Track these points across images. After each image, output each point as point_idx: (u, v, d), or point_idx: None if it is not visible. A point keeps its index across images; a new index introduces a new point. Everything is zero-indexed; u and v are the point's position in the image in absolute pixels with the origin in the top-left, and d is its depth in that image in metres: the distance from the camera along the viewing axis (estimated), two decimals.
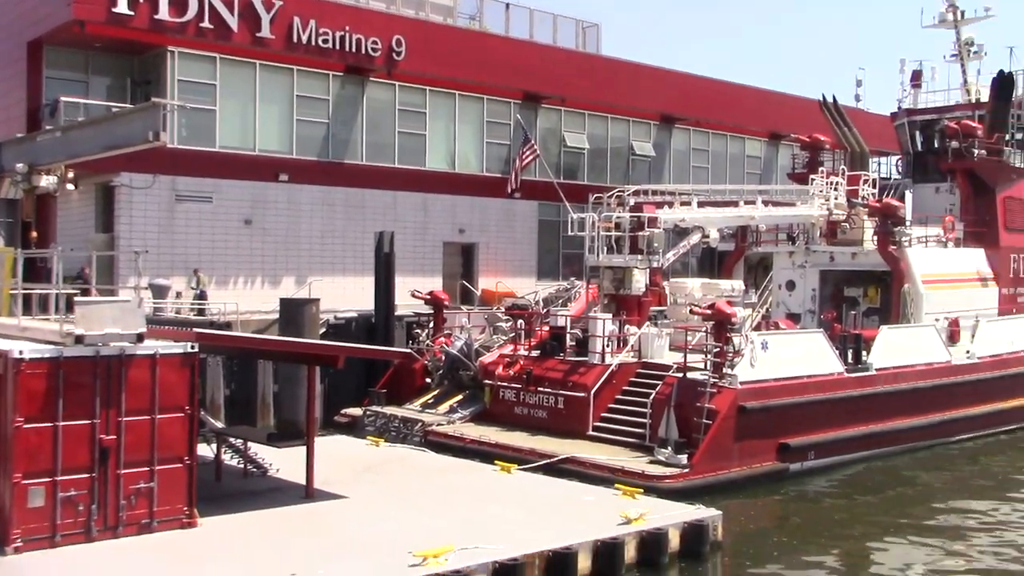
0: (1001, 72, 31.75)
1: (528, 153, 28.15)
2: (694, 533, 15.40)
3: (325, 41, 30.32)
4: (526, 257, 36.92)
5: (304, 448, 16.74)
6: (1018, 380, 27.98)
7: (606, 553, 14.20)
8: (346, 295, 31.17)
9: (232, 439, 18.64)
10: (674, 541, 15.21)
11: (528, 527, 14.77)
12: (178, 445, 14.29)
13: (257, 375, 26.21)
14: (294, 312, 25.66)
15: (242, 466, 18.21)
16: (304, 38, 29.83)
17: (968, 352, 27.06)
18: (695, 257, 38.73)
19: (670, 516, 15.56)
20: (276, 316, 26.71)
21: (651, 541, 14.80)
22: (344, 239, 31.97)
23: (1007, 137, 32.25)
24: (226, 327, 25.02)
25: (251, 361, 25.76)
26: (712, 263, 37.20)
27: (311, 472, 16.56)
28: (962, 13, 35.26)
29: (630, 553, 14.60)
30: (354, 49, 30.94)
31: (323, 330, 27.57)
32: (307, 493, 16.50)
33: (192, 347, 14.46)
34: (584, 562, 14.01)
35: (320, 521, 15.12)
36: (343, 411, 26.14)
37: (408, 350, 24.58)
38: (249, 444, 18.45)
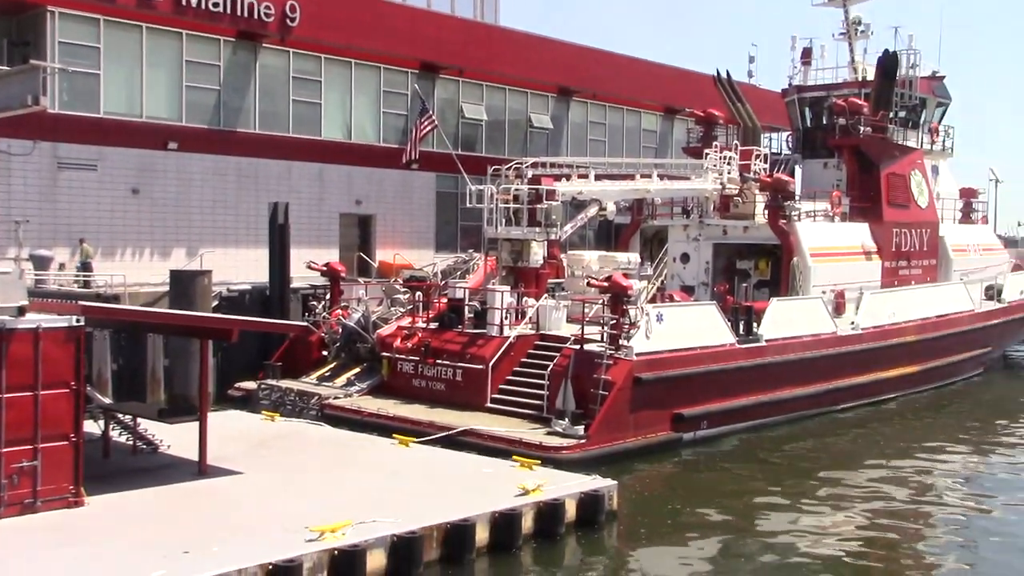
0: (886, 51, 32.72)
1: (426, 123, 27.90)
2: (590, 503, 15.60)
3: (216, 5, 29.38)
4: (424, 229, 36.69)
5: (196, 424, 16.34)
6: (900, 350, 29.07)
7: (504, 524, 14.28)
8: (239, 267, 30.53)
9: (121, 415, 18.06)
10: (571, 511, 15.38)
11: (426, 500, 14.73)
12: (63, 422, 13.78)
13: (147, 349, 25.47)
14: (185, 284, 24.98)
15: (131, 443, 17.67)
16: (194, 2, 28.86)
17: (853, 323, 27.97)
18: (592, 230, 39.07)
19: (567, 487, 15.71)
20: (166, 289, 25.97)
21: (548, 512, 14.93)
22: (237, 210, 31.23)
23: (891, 115, 33.30)
24: (113, 300, 24.21)
25: (140, 335, 25.00)
26: (609, 236, 37.63)
27: (204, 448, 16.19)
28: None
29: (527, 524, 14.71)
30: (246, 14, 30.09)
31: (216, 303, 26.93)
32: (200, 469, 16.12)
33: (77, 321, 13.93)
34: (482, 533, 14.06)
35: (214, 498, 14.81)
36: (237, 385, 25.65)
37: (304, 323, 24.23)
38: (139, 420, 17.89)
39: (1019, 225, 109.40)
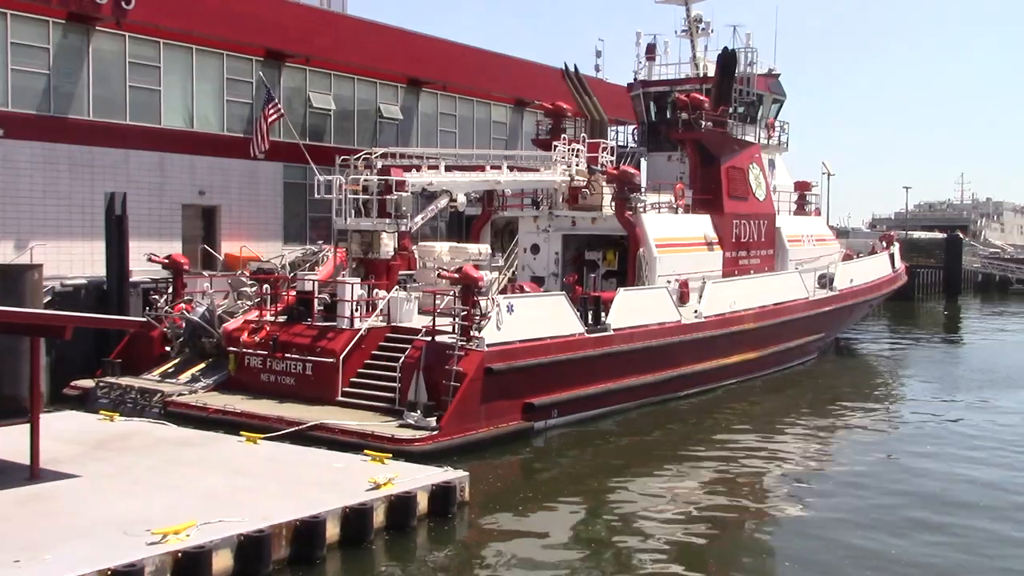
0: (725, 49, 33.87)
1: (272, 112, 27.14)
2: (442, 495, 15.61)
3: None
4: (271, 220, 35.79)
5: (28, 426, 15.49)
6: (740, 336, 30.22)
7: (355, 519, 14.14)
8: (75, 261, 29.08)
9: None
10: (422, 503, 15.36)
11: (275, 498, 14.43)
12: None
13: None
14: (13, 279, 23.49)
15: None
16: None
17: (696, 312, 28.89)
18: (444, 221, 39.05)
19: (418, 479, 15.68)
20: None
21: (399, 505, 14.87)
22: (71, 200, 29.65)
23: (731, 111, 34.50)
24: None
25: None
26: (461, 227, 37.63)
27: (36, 451, 15.38)
28: None
29: (379, 518, 14.62)
30: None
31: (48, 298, 25.57)
32: (32, 474, 15.31)
33: None
34: (333, 529, 13.88)
35: (47, 503, 14.07)
36: (73, 384, 24.50)
37: (143, 318, 23.32)
38: None
39: (849, 217, 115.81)
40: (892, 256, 43.42)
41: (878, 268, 41.64)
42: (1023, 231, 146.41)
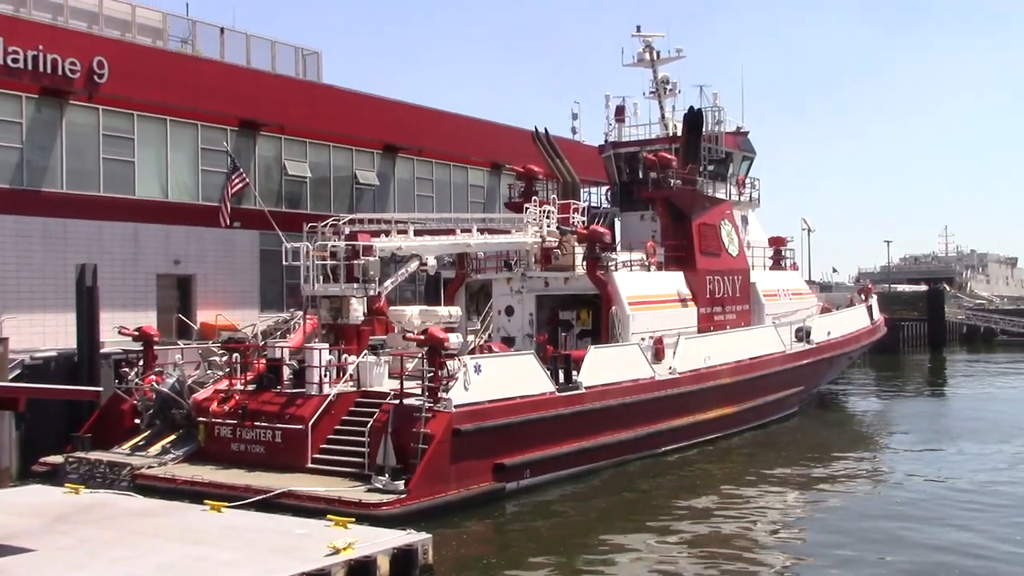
0: (691, 108, 34.42)
1: (237, 181, 27.34)
2: (403, 558, 15.42)
3: (15, 61, 28.11)
4: (248, 288, 35.82)
5: None
6: (716, 391, 30.19)
7: None
8: (48, 333, 28.99)
9: None
10: (383, 567, 15.15)
11: (231, 566, 14.23)
12: None
13: None
14: None
15: None
16: None
17: (670, 368, 28.89)
18: (421, 285, 39.13)
19: (379, 543, 15.49)
20: None
21: (359, 569, 14.68)
22: (44, 273, 29.67)
23: (700, 168, 34.91)
24: None
25: None
26: (438, 290, 37.72)
27: None
28: (657, 53, 38.00)
29: None
30: (49, 70, 28.87)
31: (18, 371, 25.48)
32: None
33: None
34: None
35: None
36: (42, 460, 24.30)
37: (96, 388, 23.24)
38: None
39: (834, 271, 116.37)
40: (870, 308, 43.62)
41: (856, 320, 41.80)
42: (1008, 282, 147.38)
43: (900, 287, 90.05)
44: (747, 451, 29.41)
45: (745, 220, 38.79)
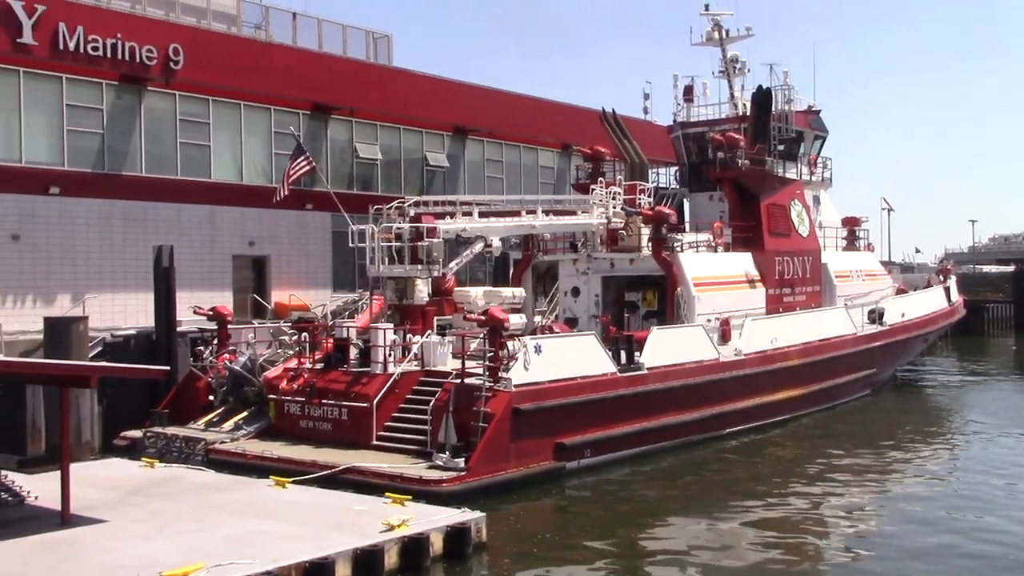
0: (759, 87, 33.96)
1: (304, 163, 27.89)
2: (457, 536, 15.78)
3: (95, 49, 29.11)
4: (321, 269, 36.60)
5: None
6: (783, 373, 29.92)
7: (366, 561, 14.37)
8: (128, 312, 30.10)
9: None
10: (437, 544, 15.55)
11: (291, 540, 14.75)
12: None
13: (25, 399, 24.90)
14: (59, 331, 24.53)
15: None
16: (72, 45, 28.52)
17: (736, 349, 28.73)
18: (489, 267, 39.45)
19: (433, 521, 15.88)
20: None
21: (412, 546, 15.08)
22: (124, 254, 30.77)
23: (770, 148, 34.46)
24: None
25: (19, 385, 24.48)
26: (507, 272, 38.04)
27: (66, 497, 15.96)
28: (726, 32, 37.53)
29: (392, 559, 14.83)
30: (128, 57, 29.86)
31: (99, 349, 26.55)
32: (63, 519, 15.89)
33: None
34: (344, 571, 14.14)
35: (72, 547, 14.59)
36: (123, 434, 25.29)
37: (164, 367, 23.94)
38: (4, 472, 17.60)
39: (917, 252, 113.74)
40: (948, 290, 42.60)
41: (932, 302, 40.88)
42: None
43: (986, 268, 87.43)
44: (815, 433, 29.09)
45: (817, 200, 38.21)
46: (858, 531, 19.07)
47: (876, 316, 35.69)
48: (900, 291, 41.27)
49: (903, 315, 37.44)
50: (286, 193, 28.71)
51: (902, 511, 20.18)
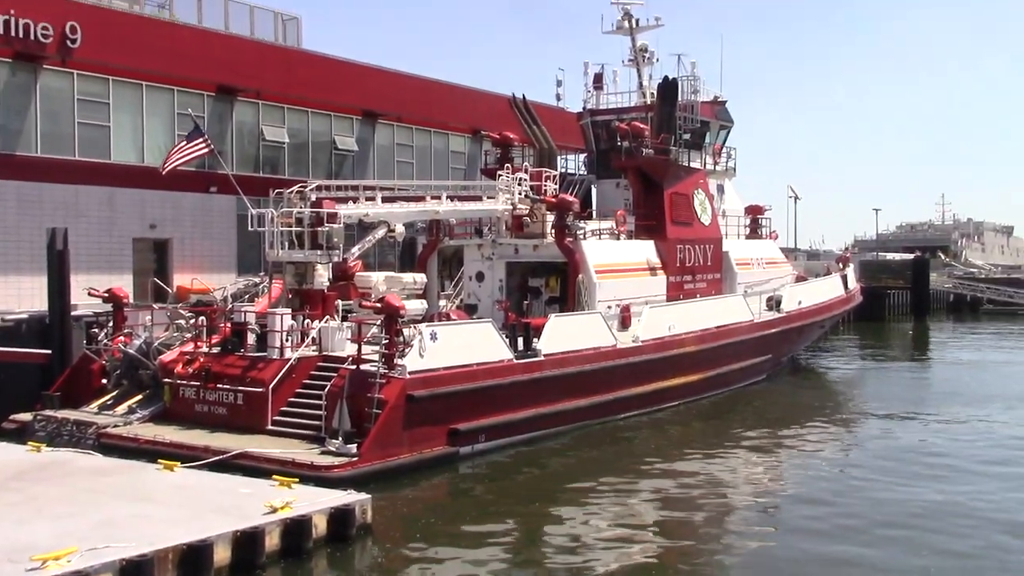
0: (665, 78, 34.53)
1: (201, 145, 27.44)
2: (340, 518, 15.92)
3: None
4: (225, 253, 36.26)
5: None
6: (679, 359, 30.57)
7: (246, 543, 14.44)
8: (23, 296, 29.50)
9: None
10: (320, 527, 15.67)
11: (171, 523, 14.73)
12: None
13: None
14: None
15: None
16: None
17: (634, 336, 29.28)
18: (398, 251, 39.45)
19: (317, 503, 16.00)
20: None
21: (294, 528, 15.18)
22: (19, 236, 30.12)
23: (676, 137, 35.03)
24: None
25: None
26: (414, 257, 38.09)
27: None
28: (636, 21, 38.02)
29: (273, 541, 14.90)
30: (21, 34, 29.18)
31: None
32: None
33: None
34: (223, 553, 14.18)
35: None
36: (11, 417, 24.78)
37: (45, 351, 23.66)
38: None
39: (823, 241, 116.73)
40: (845, 277, 43.90)
41: (830, 289, 42.10)
42: (1004, 251, 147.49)
43: (889, 255, 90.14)
44: (710, 417, 29.84)
45: (721, 189, 39.01)
46: (746, 506, 19.74)
47: (774, 303, 36.63)
48: (800, 279, 42.41)
49: (800, 302, 38.47)
50: (167, 169, 28.03)
51: (797, 481, 21.72)
